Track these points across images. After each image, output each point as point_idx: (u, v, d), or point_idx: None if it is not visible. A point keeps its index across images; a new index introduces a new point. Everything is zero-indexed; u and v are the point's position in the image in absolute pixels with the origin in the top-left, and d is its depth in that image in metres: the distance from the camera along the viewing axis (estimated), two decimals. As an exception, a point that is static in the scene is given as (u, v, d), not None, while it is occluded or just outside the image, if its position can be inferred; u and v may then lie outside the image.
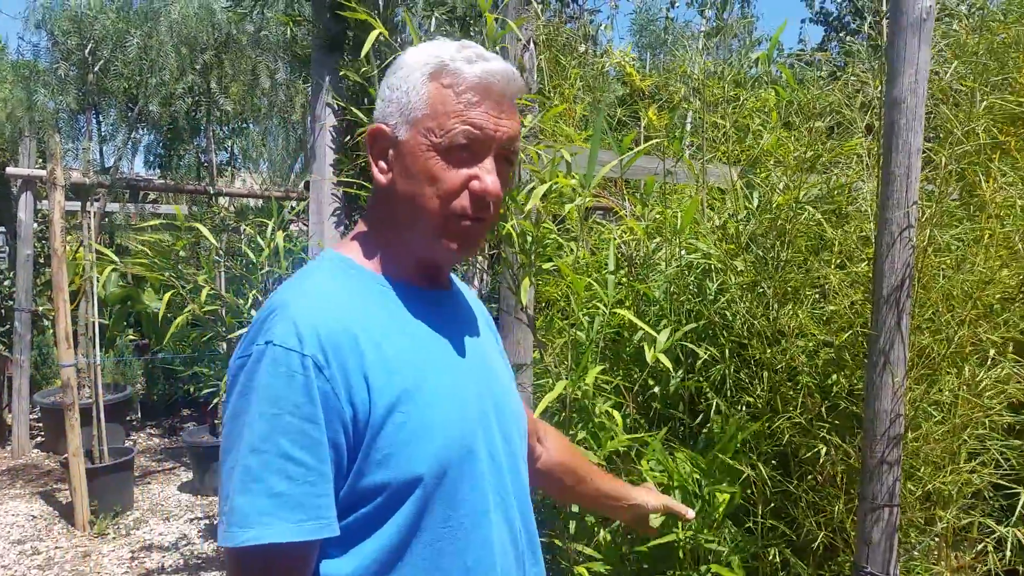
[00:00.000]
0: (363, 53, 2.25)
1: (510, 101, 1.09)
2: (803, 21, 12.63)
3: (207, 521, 5.19)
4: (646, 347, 2.07)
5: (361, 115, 2.53)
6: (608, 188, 3.03)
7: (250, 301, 2.91)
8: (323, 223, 3.09)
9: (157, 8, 6.88)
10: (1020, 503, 1.85)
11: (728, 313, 2.19)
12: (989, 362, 1.81)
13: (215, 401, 4.89)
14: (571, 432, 2.05)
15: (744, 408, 2.06)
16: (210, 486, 5.65)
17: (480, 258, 3.01)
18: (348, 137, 3.08)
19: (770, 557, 1.89)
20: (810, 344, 2.03)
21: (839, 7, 11.96)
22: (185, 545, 4.82)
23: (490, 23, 2.34)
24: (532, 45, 2.48)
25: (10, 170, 6.04)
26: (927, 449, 1.73)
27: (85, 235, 4.97)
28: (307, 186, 3.17)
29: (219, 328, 2.88)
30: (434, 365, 1.08)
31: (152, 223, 3.30)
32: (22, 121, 6.57)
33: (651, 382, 2.24)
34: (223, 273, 5.46)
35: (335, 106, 3.08)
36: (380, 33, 2.22)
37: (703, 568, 1.85)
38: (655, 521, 1.65)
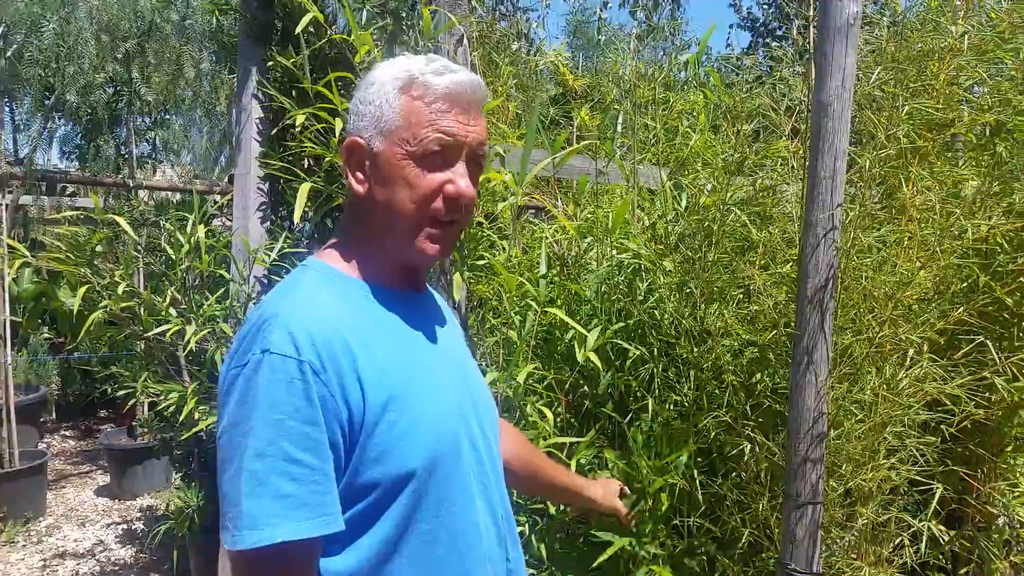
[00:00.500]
0: (296, 32, 2.22)
1: (477, 108, 1.17)
2: (731, 26, 12.90)
3: (125, 526, 5.01)
4: (577, 346, 2.07)
5: (289, 105, 2.47)
6: (541, 187, 3.03)
7: (168, 299, 2.81)
8: (248, 218, 3.00)
9: (75, -8, 6.61)
10: (935, 498, 1.91)
11: (657, 312, 2.21)
12: (908, 361, 1.86)
13: (132, 402, 4.72)
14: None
15: (672, 406, 2.08)
16: (128, 490, 5.46)
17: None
18: (276, 129, 3.00)
19: (698, 555, 1.91)
20: (735, 343, 2.06)
21: (765, 13, 12.24)
22: (102, 551, 4.65)
23: (427, 17, 2.31)
24: (466, 41, 2.46)
25: (-86, 159, 5.73)
26: (848, 447, 1.77)
27: (-5, 228, 4.74)
28: (231, 179, 3.07)
29: (136, 327, 2.77)
30: (419, 364, 1.15)
31: (66, 214, 3.16)
32: (-73, 108, 6.24)
33: (582, 381, 2.24)
34: (142, 269, 5.28)
35: (262, 97, 3.00)
36: (314, 17, 2.18)
37: (641, 571, 1.86)
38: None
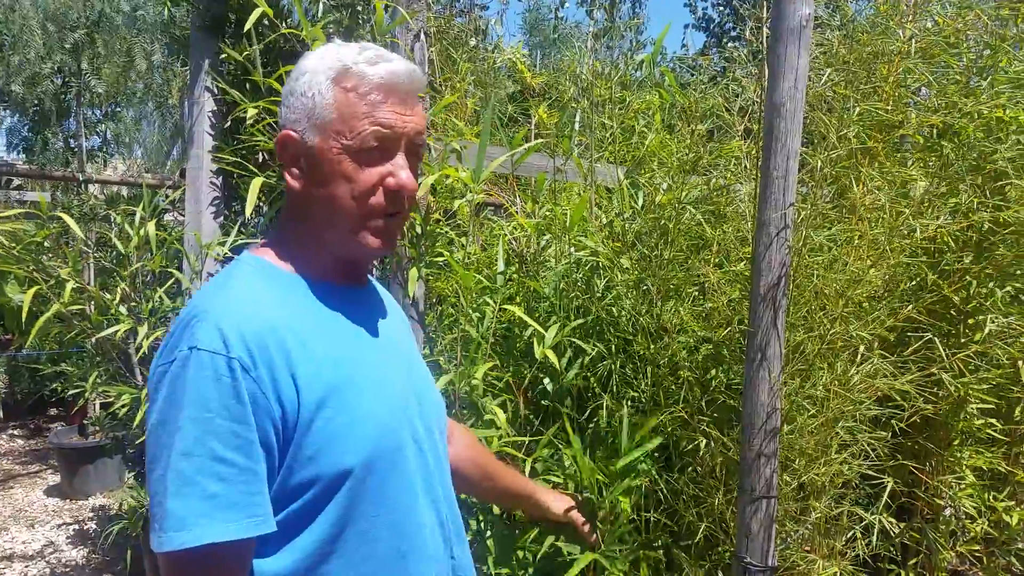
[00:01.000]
0: (245, 29, 2.17)
1: (413, 97, 1.13)
2: (686, 27, 13.01)
3: (76, 526, 4.90)
4: (535, 343, 2.07)
5: (241, 99, 2.43)
6: (499, 184, 3.03)
7: (118, 296, 2.75)
8: (201, 213, 2.95)
9: (20, -19, 6.43)
10: (886, 492, 1.95)
11: (614, 309, 2.22)
12: (859, 358, 1.90)
13: (83, 401, 4.62)
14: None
15: (629, 403, 2.10)
16: (80, 490, 5.34)
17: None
18: (228, 122, 2.95)
19: (654, 550, 1.93)
20: (691, 340, 2.08)
21: (720, 14, 12.38)
22: (52, 553, 4.54)
23: (379, 11, 2.29)
24: (423, 36, 2.44)
25: None
26: (802, 442, 1.80)
27: (-64, 222, 4.60)
28: (183, 173, 3.02)
29: (85, 324, 2.71)
30: (359, 360, 1.13)
31: (13, 212, 3.08)
32: None
33: (541, 377, 2.25)
34: (92, 265, 5.16)
35: (215, 90, 2.95)
36: (264, 13, 2.14)
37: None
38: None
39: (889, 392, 1.92)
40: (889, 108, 2.17)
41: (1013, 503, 2.25)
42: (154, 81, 7.33)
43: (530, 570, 1.91)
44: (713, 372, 2.02)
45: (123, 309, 2.71)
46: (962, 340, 2.16)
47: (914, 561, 2.23)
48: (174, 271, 2.94)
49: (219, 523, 0.94)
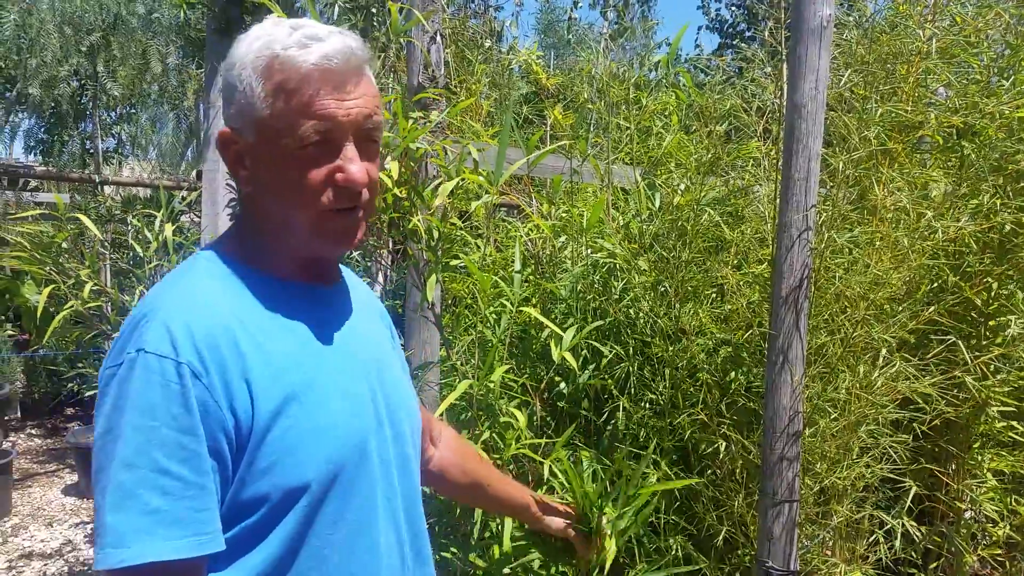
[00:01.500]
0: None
1: (356, 77, 1.01)
2: (699, 28, 12.96)
3: (93, 525, 4.94)
4: (552, 345, 2.07)
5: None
6: (514, 185, 3.03)
7: (136, 297, 2.77)
8: (217, 215, 2.97)
9: (37, -16, 6.49)
10: (910, 495, 1.94)
11: (632, 311, 2.21)
12: (881, 360, 1.89)
13: (100, 401, 4.65)
14: (476, 432, 2.03)
15: (647, 405, 2.09)
16: (95, 489, 5.37)
17: (384, 252, 2.95)
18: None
19: (672, 552, 1.92)
20: (710, 342, 2.07)
21: (734, 15, 12.33)
22: (70, 551, 4.57)
23: (394, 14, 2.29)
24: (439, 38, 2.44)
25: None
26: (823, 445, 1.79)
27: (-45, 224, 4.65)
28: (199, 175, 3.03)
29: (103, 325, 2.73)
30: (323, 365, 1.04)
31: (32, 212, 3.09)
32: None
33: (557, 380, 2.24)
34: (108, 266, 5.20)
35: (232, 94, 2.96)
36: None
37: None
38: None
39: (910, 395, 1.91)
40: (909, 109, 2.16)
41: (1035, 507, 2.23)
42: (169, 83, 7.38)
43: None
44: (732, 375, 2.01)
45: (142, 310, 2.71)
46: (983, 342, 2.14)
47: (935, 565, 2.22)
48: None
49: (160, 540, 0.87)
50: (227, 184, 2.98)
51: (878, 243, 1.99)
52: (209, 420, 0.90)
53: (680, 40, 2.96)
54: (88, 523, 4.98)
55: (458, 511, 2.06)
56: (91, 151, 7.21)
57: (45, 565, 4.40)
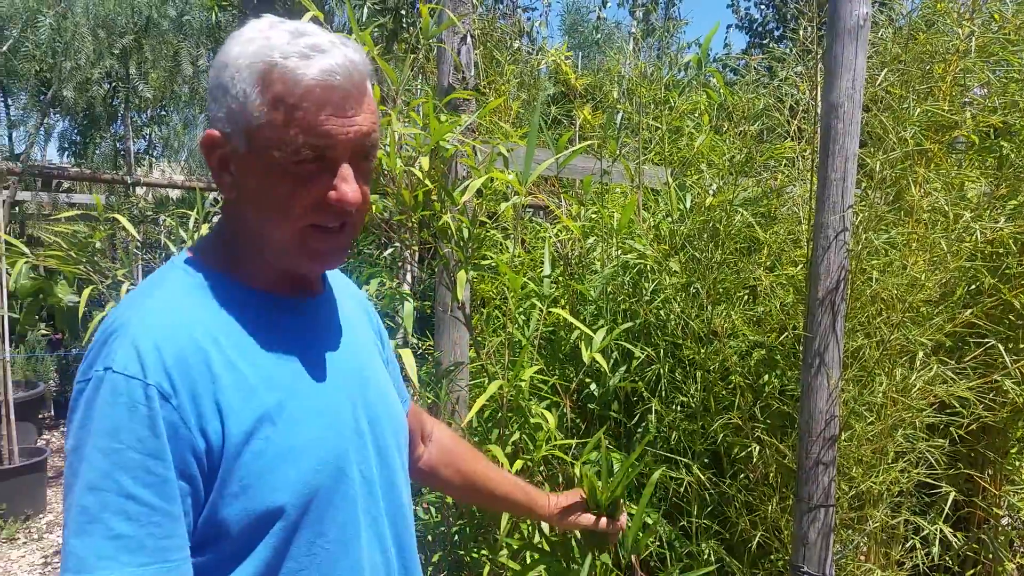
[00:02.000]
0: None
1: (357, 95, 0.96)
2: (728, 27, 12.88)
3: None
4: (582, 346, 2.06)
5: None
6: (542, 186, 3.02)
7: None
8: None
9: (72, -12, 6.58)
10: (948, 501, 1.90)
11: (663, 313, 2.20)
12: (918, 363, 1.86)
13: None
14: (506, 433, 2.03)
15: (678, 408, 2.07)
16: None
17: (408, 253, 2.95)
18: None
19: (704, 557, 1.90)
20: (742, 344, 2.05)
21: (763, 14, 12.24)
22: (99, 549, 4.63)
23: (425, 16, 2.30)
24: (469, 39, 2.44)
25: (-91, 154, 5.70)
26: (860, 450, 1.77)
27: (-8, 224, 4.72)
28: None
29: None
30: (299, 382, 1.00)
31: (67, 214, 3.13)
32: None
33: (587, 381, 2.23)
34: (141, 266, 5.26)
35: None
36: (313, 17, 2.16)
37: None
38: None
39: (947, 399, 1.88)
40: (947, 108, 2.13)
41: (1075, 514, 2.19)
42: (200, 85, 7.45)
43: None
44: (766, 377, 1.99)
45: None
46: (1022, 345, 2.10)
47: (972, 572, 2.18)
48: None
49: (125, 567, 0.84)
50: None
51: (914, 245, 1.96)
52: (179, 442, 0.87)
53: (711, 39, 2.95)
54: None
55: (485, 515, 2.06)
56: (123, 152, 7.31)
57: (78, 561, 4.46)
